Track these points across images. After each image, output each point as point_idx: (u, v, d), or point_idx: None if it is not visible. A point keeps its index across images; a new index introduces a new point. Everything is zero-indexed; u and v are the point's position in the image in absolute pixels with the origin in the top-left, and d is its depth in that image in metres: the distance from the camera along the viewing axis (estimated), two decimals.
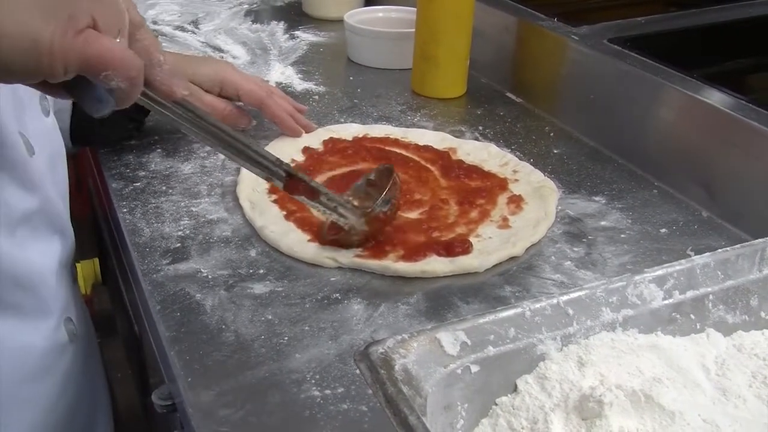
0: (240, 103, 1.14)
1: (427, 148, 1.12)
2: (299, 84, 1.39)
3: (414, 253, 0.88)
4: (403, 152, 1.11)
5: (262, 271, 0.87)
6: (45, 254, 0.94)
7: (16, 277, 0.87)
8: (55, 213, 0.95)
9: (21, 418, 0.91)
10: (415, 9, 1.32)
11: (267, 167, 0.79)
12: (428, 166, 1.08)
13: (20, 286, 0.88)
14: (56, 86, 0.59)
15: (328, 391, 0.70)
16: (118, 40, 0.59)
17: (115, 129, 1.09)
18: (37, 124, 0.93)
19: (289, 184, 0.81)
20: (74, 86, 0.58)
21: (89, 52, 0.56)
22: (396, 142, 1.13)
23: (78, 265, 1.11)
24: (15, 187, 0.86)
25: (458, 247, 0.89)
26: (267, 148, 1.07)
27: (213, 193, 1.01)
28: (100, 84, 0.59)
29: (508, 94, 1.36)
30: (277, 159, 0.80)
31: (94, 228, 1.50)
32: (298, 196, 0.83)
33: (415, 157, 1.09)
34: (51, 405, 0.95)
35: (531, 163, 1.09)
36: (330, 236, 0.90)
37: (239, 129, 1.15)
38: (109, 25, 0.58)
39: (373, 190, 0.93)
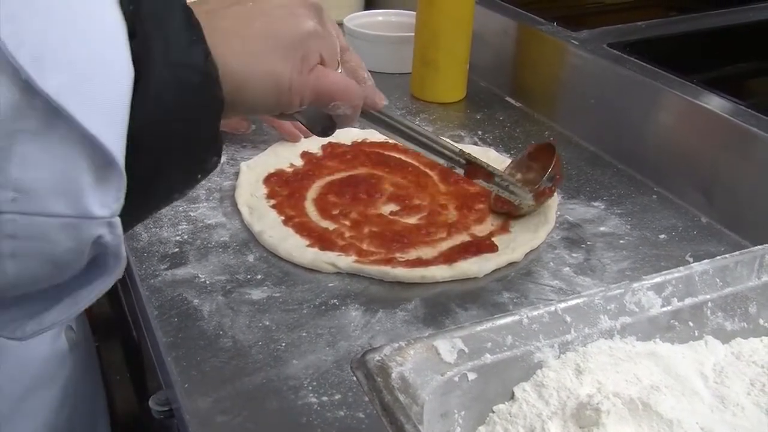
0: None
1: None
2: None
3: (449, 259, 0.89)
4: (402, 157, 1.10)
5: (259, 277, 0.86)
6: None
7: None
8: None
9: (21, 427, 0.91)
10: (415, 13, 1.32)
11: (450, 157, 0.86)
12: (427, 171, 1.07)
13: None
14: (288, 114, 0.67)
15: (325, 398, 0.70)
16: (339, 71, 0.67)
17: None
18: None
19: (469, 170, 0.88)
20: (305, 113, 0.67)
21: (321, 87, 0.64)
22: (395, 147, 1.13)
23: None
24: None
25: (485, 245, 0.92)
26: (266, 153, 1.09)
27: (211, 198, 1.01)
28: (328, 111, 0.67)
29: (508, 99, 1.36)
30: (460, 150, 0.87)
31: None
32: (477, 180, 0.90)
33: (414, 162, 1.09)
34: (53, 414, 0.95)
35: None
36: (498, 208, 0.98)
37: (238, 133, 1.15)
38: (331, 59, 0.66)
39: (534, 163, 1.01)
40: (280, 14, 0.62)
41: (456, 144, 0.90)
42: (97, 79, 0.45)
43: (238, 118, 1.12)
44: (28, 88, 0.42)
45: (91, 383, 1.05)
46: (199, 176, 0.57)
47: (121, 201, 0.47)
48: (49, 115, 0.42)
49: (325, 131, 0.70)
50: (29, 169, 0.43)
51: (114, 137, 0.45)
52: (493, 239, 0.93)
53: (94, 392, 1.07)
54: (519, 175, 1.01)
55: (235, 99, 0.58)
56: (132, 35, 0.48)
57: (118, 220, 0.47)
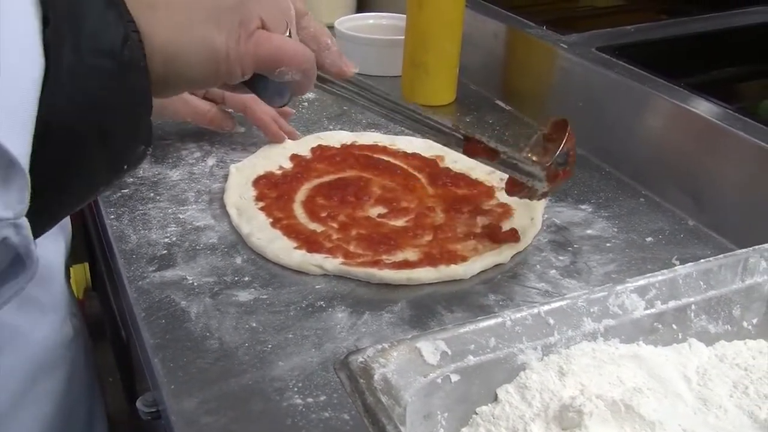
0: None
1: (414, 156, 1.12)
2: None
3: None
4: (391, 160, 1.11)
5: (247, 279, 0.87)
6: (57, 251, 0.96)
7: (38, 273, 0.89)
8: None
9: (28, 413, 0.92)
10: (405, 16, 1.32)
11: (444, 132, 0.81)
12: (415, 173, 1.08)
13: (39, 281, 0.90)
14: (237, 85, 0.63)
15: (310, 399, 0.70)
16: (287, 34, 0.63)
17: None
18: None
19: (468, 146, 0.83)
20: (253, 82, 0.63)
21: (262, 53, 0.60)
22: (384, 150, 1.13)
23: (71, 268, 1.12)
24: None
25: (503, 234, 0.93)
26: (255, 155, 1.09)
27: (200, 200, 1.02)
28: (275, 79, 0.63)
29: (498, 102, 1.36)
30: (454, 124, 0.81)
31: (85, 234, 1.50)
32: (478, 157, 0.84)
33: (403, 165, 1.09)
34: (56, 400, 0.97)
35: None
36: (514, 193, 0.91)
37: (224, 132, 1.15)
38: (276, 23, 0.61)
39: (550, 144, 0.90)
40: None
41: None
42: (1, 76, 0.43)
43: (222, 116, 1.12)
44: None
45: (89, 374, 1.07)
46: (125, 167, 0.54)
47: (26, 202, 0.45)
48: None
49: (280, 100, 0.66)
50: None
51: (16, 137, 0.44)
52: (458, 246, 0.93)
53: (92, 383, 1.08)
54: (535, 158, 0.90)
55: (168, 74, 0.55)
56: (46, 22, 0.46)
57: (24, 221, 0.46)
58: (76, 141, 0.49)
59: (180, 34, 0.56)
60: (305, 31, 0.68)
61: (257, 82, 0.63)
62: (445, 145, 0.83)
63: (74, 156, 0.49)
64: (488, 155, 0.85)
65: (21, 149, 0.44)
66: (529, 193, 0.90)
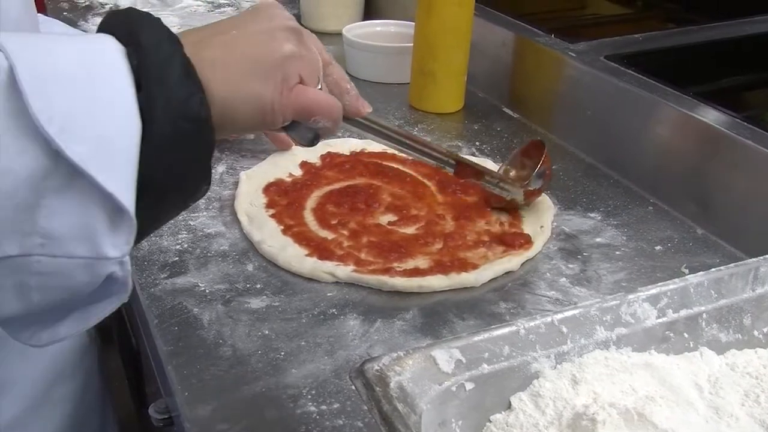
0: None
1: (424, 164, 1.13)
2: None
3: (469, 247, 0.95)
4: (401, 167, 1.11)
5: (259, 286, 0.87)
6: None
7: None
8: None
9: (45, 419, 0.93)
10: (414, 24, 1.33)
11: (439, 158, 0.91)
12: (425, 181, 1.08)
13: None
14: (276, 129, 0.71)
15: (324, 407, 0.71)
16: (319, 87, 0.71)
17: None
18: None
19: (459, 169, 0.93)
20: (289, 127, 0.71)
21: (301, 105, 0.68)
22: (393, 157, 1.14)
23: None
24: None
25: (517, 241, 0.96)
26: (265, 162, 1.10)
27: (211, 207, 1.02)
28: (310, 125, 0.71)
29: (505, 109, 1.37)
30: (447, 150, 0.92)
31: None
32: (467, 179, 0.96)
33: (412, 173, 1.10)
34: (72, 406, 0.98)
35: None
36: (494, 203, 1.03)
37: (240, 138, 1.18)
38: (311, 77, 0.70)
39: (527, 159, 1.05)
40: (261, 39, 0.66)
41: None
42: (113, 142, 0.52)
43: None
44: (56, 156, 0.49)
45: (102, 379, 1.08)
46: (190, 203, 0.63)
47: (131, 243, 0.54)
48: (72, 175, 0.50)
49: (311, 142, 0.73)
50: (54, 219, 0.50)
51: (125, 190, 0.52)
52: (468, 254, 0.94)
53: (104, 389, 1.09)
54: (513, 172, 1.06)
55: (223, 122, 0.62)
56: (138, 88, 0.54)
57: (127, 259, 0.55)
58: (164, 189, 0.57)
59: (235, 88, 0.63)
60: (329, 78, 0.76)
61: (293, 127, 0.71)
62: (439, 168, 0.92)
63: (162, 201, 0.58)
64: (476, 176, 0.96)
65: (129, 199, 0.52)
66: (509, 204, 1.02)
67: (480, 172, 0.96)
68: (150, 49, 0.57)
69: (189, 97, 0.57)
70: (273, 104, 0.66)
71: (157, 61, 0.57)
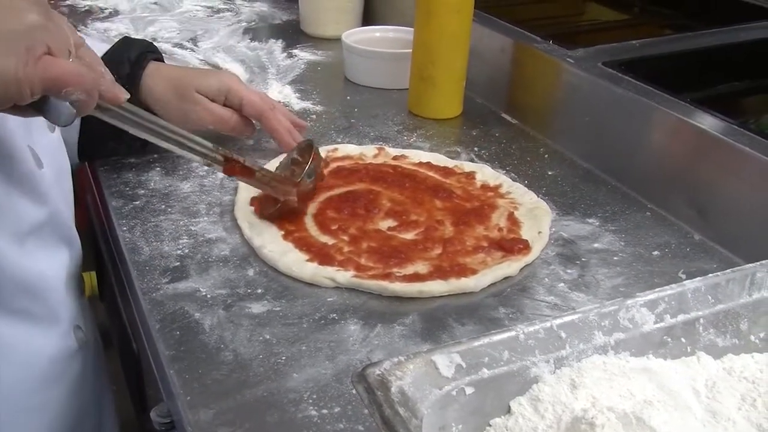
0: None
1: (423, 166, 1.14)
2: (297, 103, 1.40)
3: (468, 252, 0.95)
4: (401, 172, 1.12)
5: (260, 291, 0.88)
6: (53, 264, 0.96)
7: (26, 285, 0.90)
8: (62, 224, 0.97)
9: (31, 424, 0.93)
10: (413, 29, 1.33)
11: (206, 154, 0.90)
12: (424, 186, 1.09)
13: (29, 293, 0.90)
14: (25, 107, 0.68)
15: (325, 411, 0.71)
16: (70, 60, 0.69)
17: (123, 143, 1.11)
18: (43, 139, 0.95)
19: (227, 166, 0.92)
20: (40, 104, 0.68)
21: (49, 75, 0.66)
22: (392, 164, 1.14)
23: (84, 274, 1.12)
24: (25, 199, 0.89)
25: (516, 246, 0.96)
26: (266, 167, 1.10)
27: (212, 212, 1.03)
28: (62, 99, 0.68)
29: (504, 115, 1.38)
30: (214, 145, 0.90)
31: (92, 242, 1.51)
32: (236, 176, 0.94)
33: (411, 179, 1.10)
34: (60, 412, 0.97)
35: (525, 185, 1.10)
36: (266, 214, 0.99)
37: (244, 137, 1.20)
38: (60, 49, 0.68)
39: (297, 167, 1.03)
40: (1, 10, 0.65)
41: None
42: None
43: (243, 122, 1.16)
44: None
45: (99, 384, 1.07)
46: None
47: None
48: None
49: (67, 118, 0.71)
50: None
51: None
52: (467, 259, 0.94)
53: (102, 394, 1.08)
54: (287, 173, 1.04)
55: None
56: None
57: None
58: None
59: None
60: (82, 60, 0.73)
61: (43, 104, 0.69)
62: (206, 165, 0.92)
63: None
64: (246, 174, 0.95)
65: None
66: (282, 207, 0.99)
67: (250, 170, 0.95)
68: None
69: None
70: (18, 76, 0.64)
71: None
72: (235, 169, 0.93)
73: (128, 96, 0.78)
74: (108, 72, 0.76)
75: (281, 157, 1.14)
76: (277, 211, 0.99)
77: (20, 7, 0.65)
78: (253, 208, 1.01)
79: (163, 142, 0.85)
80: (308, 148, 1.04)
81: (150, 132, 0.84)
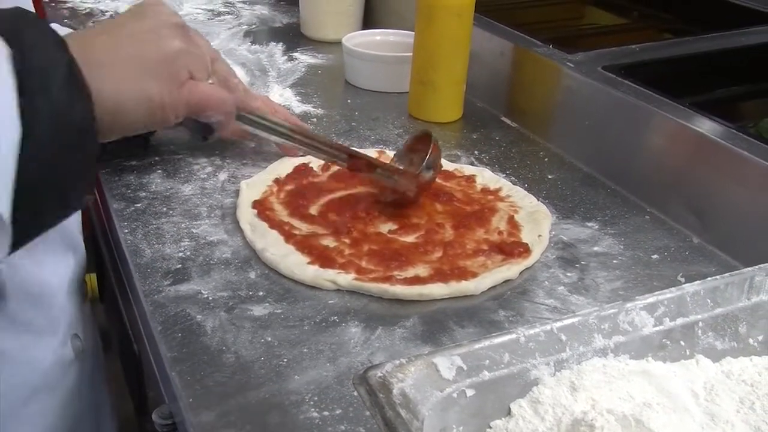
0: None
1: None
2: (298, 106, 1.40)
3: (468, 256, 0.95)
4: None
5: (261, 293, 0.88)
6: (58, 270, 0.97)
7: (32, 293, 0.90)
8: (68, 229, 0.98)
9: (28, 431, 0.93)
10: (413, 33, 1.34)
11: (331, 153, 0.96)
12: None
13: (34, 303, 0.91)
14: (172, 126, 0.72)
15: (326, 413, 0.72)
16: (210, 82, 0.72)
17: (123, 145, 1.11)
18: None
19: (351, 163, 0.98)
20: (185, 124, 0.73)
21: (192, 101, 0.69)
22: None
23: (87, 276, 1.12)
24: None
25: (516, 249, 0.96)
26: (266, 171, 1.10)
27: (213, 215, 1.03)
28: (203, 120, 0.73)
29: (504, 119, 1.38)
30: (338, 144, 0.96)
31: (93, 245, 1.51)
32: (359, 171, 1.00)
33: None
34: (55, 420, 0.97)
35: (525, 188, 1.11)
36: (386, 197, 1.04)
37: (246, 140, 1.19)
38: (201, 72, 0.71)
39: (414, 155, 1.06)
40: (147, 38, 0.66)
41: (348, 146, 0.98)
42: None
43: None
44: None
45: (96, 392, 1.07)
46: (71, 212, 0.62)
47: (6, 251, 0.54)
48: None
49: (206, 137, 0.75)
50: None
51: (1, 197, 0.51)
52: (468, 262, 0.95)
53: (100, 401, 1.08)
54: (401, 167, 1.06)
55: (112, 122, 0.62)
56: (21, 91, 0.53)
57: (2, 266, 0.58)
58: (40, 199, 0.56)
59: (124, 89, 0.63)
60: (217, 75, 0.77)
61: (187, 123, 0.73)
62: (331, 162, 1.00)
63: (40, 209, 0.57)
64: (368, 168, 1.01)
65: (4, 206, 0.52)
66: (401, 198, 1.03)
67: (373, 165, 0.99)
68: (33, 52, 0.55)
69: (72, 105, 0.56)
70: (163, 102, 0.66)
71: (40, 65, 0.55)
72: (359, 164, 0.98)
73: (259, 103, 0.83)
74: (241, 82, 0.80)
75: (280, 160, 1.14)
76: (395, 201, 1.03)
77: (163, 35, 0.67)
78: (255, 210, 1.01)
79: (290, 143, 0.89)
80: (425, 138, 1.05)
81: (278, 134, 0.88)
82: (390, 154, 1.19)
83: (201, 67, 0.71)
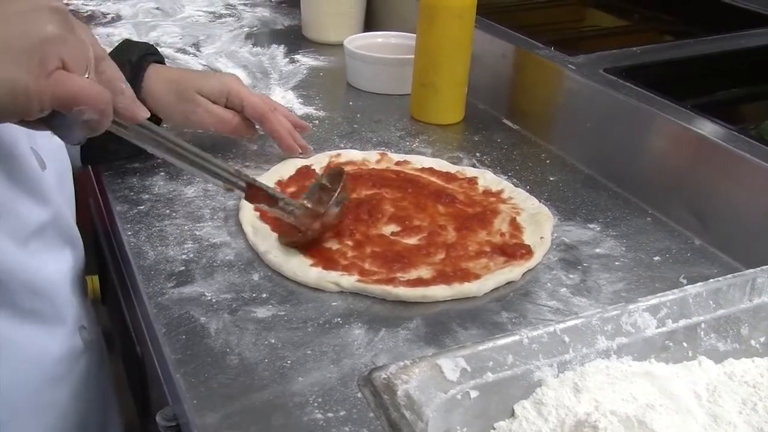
0: None
1: (426, 171, 1.15)
2: (299, 108, 1.41)
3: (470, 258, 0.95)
4: (405, 178, 1.12)
5: (265, 295, 0.88)
6: (58, 265, 0.97)
7: (32, 285, 0.90)
8: (65, 225, 0.98)
9: (37, 423, 0.93)
10: (415, 35, 1.34)
11: (228, 179, 0.87)
12: (427, 192, 1.09)
13: (36, 293, 0.91)
14: (35, 121, 0.65)
15: (330, 414, 0.72)
16: (87, 76, 0.65)
17: (124, 146, 1.12)
18: (46, 141, 0.96)
19: (249, 193, 0.89)
20: (51, 119, 0.65)
21: (60, 92, 0.63)
22: (395, 169, 1.15)
23: (87, 278, 1.13)
24: (29, 200, 0.90)
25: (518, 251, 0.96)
26: (269, 173, 1.11)
27: (216, 217, 1.03)
28: (73, 117, 0.65)
29: (505, 121, 1.38)
30: (236, 170, 0.87)
31: (95, 246, 1.51)
32: (258, 203, 0.91)
33: (413, 184, 1.11)
34: (66, 410, 0.97)
35: (527, 190, 1.11)
36: (286, 241, 0.96)
37: (246, 139, 1.21)
38: (77, 64, 0.64)
39: (323, 193, 0.99)
40: (16, 20, 0.62)
41: (234, 166, 0.90)
42: None
43: (245, 124, 1.17)
44: None
45: (103, 385, 1.07)
46: None
47: None
48: None
49: (77, 138, 0.68)
50: None
51: None
52: (470, 264, 0.95)
53: (106, 394, 1.09)
54: (309, 204, 0.98)
55: None
56: None
57: None
58: None
59: None
60: (103, 75, 0.70)
61: (54, 119, 0.66)
62: (227, 190, 0.88)
63: None
64: (269, 202, 0.91)
65: None
66: (302, 238, 0.95)
67: (274, 198, 0.91)
68: None
69: None
70: (27, 89, 0.61)
71: None
72: (257, 196, 0.90)
73: (147, 114, 0.75)
74: (129, 88, 0.73)
75: (283, 162, 1.15)
76: (295, 242, 0.95)
77: (39, 17, 0.62)
78: (258, 213, 1.01)
79: (184, 164, 0.82)
80: (338, 176, 0.99)
81: (170, 152, 0.80)
82: (392, 156, 1.19)
83: (77, 58, 0.65)
